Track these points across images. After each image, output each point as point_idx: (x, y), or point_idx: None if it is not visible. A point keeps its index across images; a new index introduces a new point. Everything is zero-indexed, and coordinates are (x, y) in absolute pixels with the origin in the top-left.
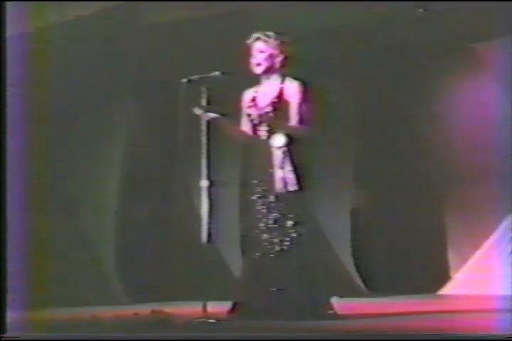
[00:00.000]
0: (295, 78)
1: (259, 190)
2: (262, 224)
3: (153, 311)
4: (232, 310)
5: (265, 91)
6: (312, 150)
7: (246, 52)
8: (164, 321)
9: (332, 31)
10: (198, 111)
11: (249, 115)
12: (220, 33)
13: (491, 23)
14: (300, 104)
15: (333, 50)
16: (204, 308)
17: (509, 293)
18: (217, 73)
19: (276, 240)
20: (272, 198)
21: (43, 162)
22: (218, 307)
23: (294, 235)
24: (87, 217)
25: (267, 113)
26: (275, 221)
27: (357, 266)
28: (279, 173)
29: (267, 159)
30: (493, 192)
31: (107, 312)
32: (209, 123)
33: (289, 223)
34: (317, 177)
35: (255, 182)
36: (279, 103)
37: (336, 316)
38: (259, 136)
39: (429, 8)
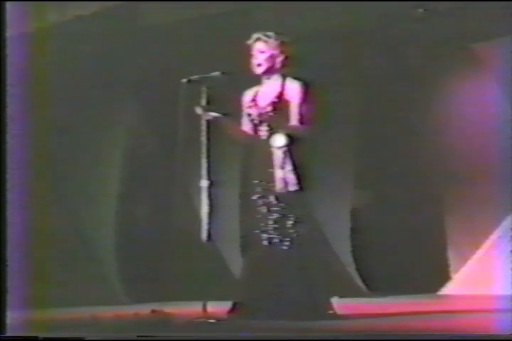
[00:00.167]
0: (295, 78)
1: (259, 189)
2: (262, 224)
3: (153, 311)
4: (232, 310)
5: (266, 91)
6: (312, 150)
7: (246, 52)
8: (164, 321)
9: (332, 31)
10: (199, 110)
11: (249, 115)
12: (220, 33)
13: (491, 23)
14: (300, 104)
15: (333, 50)
16: (204, 308)
17: (509, 293)
18: (217, 73)
19: (276, 240)
20: (272, 198)
21: (43, 162)
22: (218, 307)
23: (294, 235)
24: (87, 216)
25: (268, 113)
26: (275, 221)
27: (357, 265)
28: (279, 173)
29: (267, 159)
30: (493, 192)
31: (107, 312)
32: (209, 123)
33: (289, 223)
34: (317, 177)
35: (255, 182)
36: (280, 103)
37: (336, 316)
38: (259, 136)
39: (429, 8)
